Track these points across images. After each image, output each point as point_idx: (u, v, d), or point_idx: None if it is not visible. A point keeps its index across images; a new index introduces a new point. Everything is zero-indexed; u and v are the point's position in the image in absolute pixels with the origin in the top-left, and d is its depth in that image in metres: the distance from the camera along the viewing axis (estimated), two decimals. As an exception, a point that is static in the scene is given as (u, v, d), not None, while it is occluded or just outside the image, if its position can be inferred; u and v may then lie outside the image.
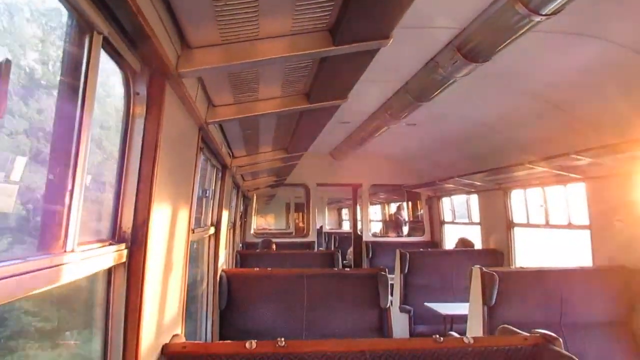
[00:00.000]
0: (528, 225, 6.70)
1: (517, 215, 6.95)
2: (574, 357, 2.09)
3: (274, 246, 8.42)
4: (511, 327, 2.54)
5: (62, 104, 1.50)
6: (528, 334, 2.36)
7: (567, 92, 4.28)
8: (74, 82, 1.52)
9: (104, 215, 1.94)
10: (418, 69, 4.31)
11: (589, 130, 4.44)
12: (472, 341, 2.29)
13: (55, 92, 1.50)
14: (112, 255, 1.81)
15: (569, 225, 5.75)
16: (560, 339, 2.26)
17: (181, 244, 2.75)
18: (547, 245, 11.31)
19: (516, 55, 3.59)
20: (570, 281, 4.48)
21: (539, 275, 4.57)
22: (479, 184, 7.30)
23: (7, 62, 0.96)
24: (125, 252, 1.92)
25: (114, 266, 1.87)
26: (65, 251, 1.45)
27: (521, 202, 6.80)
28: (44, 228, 1.44)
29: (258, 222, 12.47)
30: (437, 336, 2.30)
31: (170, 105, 2.19)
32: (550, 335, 2.27)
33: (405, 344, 2.29)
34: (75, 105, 1.51)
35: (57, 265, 1.36)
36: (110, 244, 1.86)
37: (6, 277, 1.10)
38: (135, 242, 1.97)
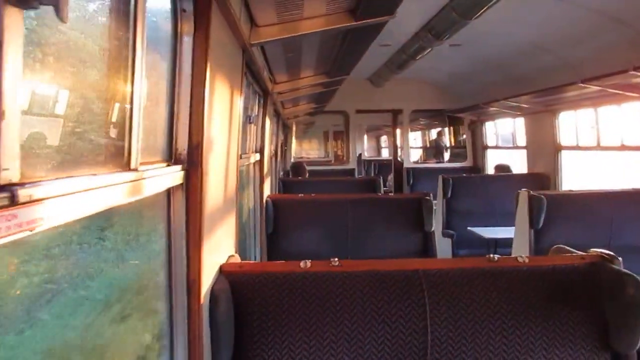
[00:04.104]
0: (577, 147, 6.47)
1: (565, 139, 6.72)
2: (634, 274, 2.04)
3: (306, 170, 8.18)
4: (566, 247, 2.49)
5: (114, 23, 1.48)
6: (584, 253, 2.31)
7: (627, 1, 3.95)
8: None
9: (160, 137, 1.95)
10: None
11: None
12: (526, 260, 2.26)
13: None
14: (170, 176, 1.83)
15: (622, 147, 5.52)
16: (620, 258, 2.20)
17: (232, 168, 2.77)
18: (597, 174, 10.94)
19: None
20: (621, 203, 4.37)
21: (588, 198, 4.46)
22: (525, 106, 7.03)
23: None
24: (182, 173, 1.95)
25: (172, 187, 1.90)
26: (130, 169, 1.47)
27: (570, 125, 6.55)
28: (108, 148, 1.45)
29: (297, 151, 12.52)
30: (492, 255, 2.28)
31: (215, 25, 2.13)
32: (609, 254, 2.21)
33: (458, 263, 2.29)
34: (127, 24, 1.48)
35: (123, 183, 1.38)
36: (168, 165, 1.88)
37: (75, 193, 1.11)
38: (191, 164, 1.99)
